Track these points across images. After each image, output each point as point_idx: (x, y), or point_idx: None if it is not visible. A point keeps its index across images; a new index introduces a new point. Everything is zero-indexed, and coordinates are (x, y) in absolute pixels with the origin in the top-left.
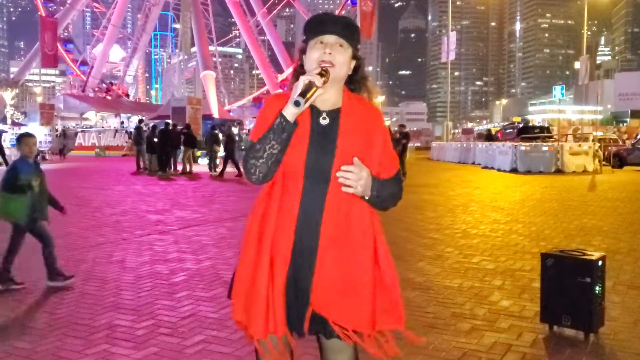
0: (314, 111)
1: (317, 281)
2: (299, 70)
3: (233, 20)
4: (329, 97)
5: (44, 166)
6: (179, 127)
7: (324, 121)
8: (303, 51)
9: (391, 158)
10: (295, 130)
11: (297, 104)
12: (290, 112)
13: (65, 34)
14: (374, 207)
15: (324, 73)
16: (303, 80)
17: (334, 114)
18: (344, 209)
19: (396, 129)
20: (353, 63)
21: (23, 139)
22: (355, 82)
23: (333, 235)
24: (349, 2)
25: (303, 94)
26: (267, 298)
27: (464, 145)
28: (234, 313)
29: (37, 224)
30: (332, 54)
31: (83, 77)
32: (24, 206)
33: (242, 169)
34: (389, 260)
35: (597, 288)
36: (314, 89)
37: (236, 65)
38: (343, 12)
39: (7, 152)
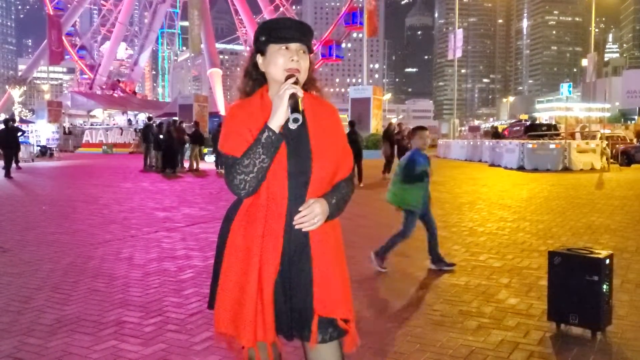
0: None
1: (318, 284)
2: (251, 70)
3: (239, 17)
4: None
5: (50, 163)
6: (185, 125)
7: (292, 126)
8: (260, 52)
9: (348, 154)
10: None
11: (296, 120)
12: (277, 125)
13: (74, 32)
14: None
15: (297, 81)
16: (287, 94)
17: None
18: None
19: (396, 127)
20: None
21: (417, 132)
22: (309, 81)
23: (322, 234)
24: (342, 22)
25: (296, 109)
26: (255, 304)
27: (471, 142)
28: (218, 324)
29: (428, 210)
30: (298, 61)
31: (90, 74)
32: (420, 195)
33: (226, 180)
34: (343, 251)
35: (604, 286)
36: (299, 99)
37: (242, 62)
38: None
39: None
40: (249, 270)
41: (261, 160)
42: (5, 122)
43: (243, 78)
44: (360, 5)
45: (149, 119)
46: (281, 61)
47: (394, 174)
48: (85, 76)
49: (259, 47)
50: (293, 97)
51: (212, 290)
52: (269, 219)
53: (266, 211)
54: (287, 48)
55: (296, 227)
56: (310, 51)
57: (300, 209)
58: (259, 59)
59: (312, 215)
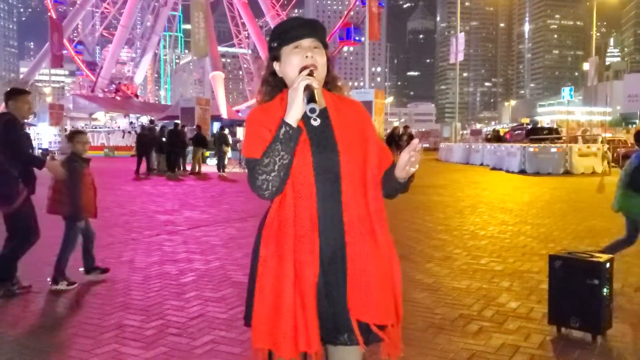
0: (303, 115)
1: (352, 284)
2: (270, 80)
3: (242, 21)
4: None
5: None
6: (187, 128)
7: (315, 122)
8: (276, 59)
9: (386, 148)
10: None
11: (313, 111)
12: (294, 119)
13: (75, 34)
14: (399, 192)
15: (312, 73)
16: (302, 86)
17: (322, 113)
18: (362, 203)
19: (402, 129)
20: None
21: None
22: (329, 81)
23: (360, 233)
24: (358, 2)
25: (312, 99)
26: (295, 314)
27: (472, 146)
28: (256, 340)
29: None
30: (313, 57)
31: (93, 77)
32: None
33: (249, 183)
34: (395, 251)
35: (605, 290)
36: (315, 90)
37: (245, 66)
38: (352, 13)
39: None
40: (283, 277)
41: (281, 157)
42: None
43: (261, 87)
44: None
45: (151, 122)
46: (296, 60)
47: (619, 178)
48: (82, 72)
49: (274, 54)
50: (308, 88)
51: (248, 304)
52: (299, 220)
53: (294, 212)
54: (298, 47)
55: (411, 167)
56: (325, 47)
57: (414, 148)
58: (276, 65)
59: (418, 154)
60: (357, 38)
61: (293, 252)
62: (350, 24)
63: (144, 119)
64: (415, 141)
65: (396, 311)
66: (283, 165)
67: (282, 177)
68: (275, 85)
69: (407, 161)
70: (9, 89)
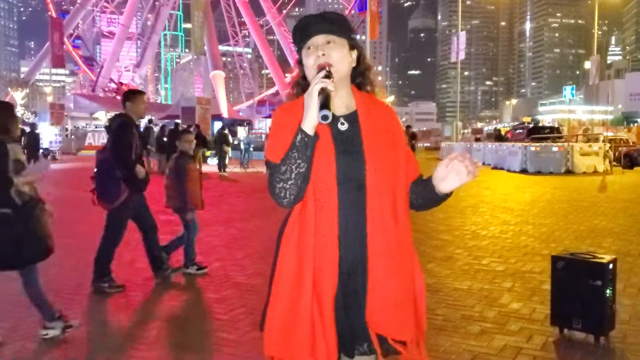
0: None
1: (371, 298)
2: (301, 82)
3: (242, 20)
4: (341, 101)
5: (53, 165)
6: (190, 128)
7: (343, 127)
8: (300, 62)
9: (413, 158)
10: (318, 142)
11: (325, 118)
12: (310, 126)
13: (79, 41)
14: (435, 205)
15: (329, 74)
16: (316, 90)
17: (352, 118)
18: (388, 215)
19: (404, 129)
20: (354, 54)
21: None
22: (360, 74)
23: (383, 246)
24: (355, 8)
25: (325, 105)
26: (312, 324)
27: (474, 145)
28: (267, 347)
29: None
30: (325, 54)
31: (90, 73)
32: None
33: (269, 190)
34: (419, 265)
35: (607, 291)
36: (330, 93)
37: (245, 65)
38: (353, 12)
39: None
40: (302, 286)
41: (297, 165)
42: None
43: (291, 90)
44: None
45: (150, 121)
46: (311, 61)
47: None
48: (79, 67)
49: (299, 58)
50: (323, 92)
51: (265, 310)
52: (319, 229)
53: (315, 220)
54: (311, 47)
55: (470, 176)
56: (350, 39)
57: (466, 157)
58: (303, 69)
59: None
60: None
61: (312, 261)
62: None
63: (145, 118)
64: (465, 153)
65: (418, 326)
66: (300, 173)
67: (299, 185)
68: (304, 87)
69: (448, 171)
70: (126, 90)
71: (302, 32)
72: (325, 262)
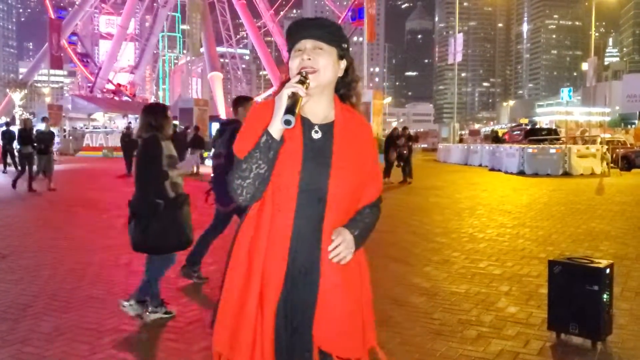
0: (306, 124)
1: (319, 313)
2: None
3: (240, 21)
4: (320, 109)
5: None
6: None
7: (317, 135)
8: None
9: (376, 177)
10: (287, 146)
11: (288, 123)
12: (276, 129)
13: (75, 37)
14: None
15: (303, 79)
16: (286, 94)
17: (327, 128)
18: None
19: (401, 130)
20: (342, 64)
21: None
22: (345, 85)
23: (335, 262)
24: (348, 18)
25: (291, 110)
26: (255, 328)
27: (471, 147)
28: (215, 343)
29: None
30: (311, 59)
31: (84, 70)
32: None
33: (227, 184)
34: (369, 277)
35: (604, 296)
36: (300, 99)
37: (243, 66)
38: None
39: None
40: (249, 290)
41: (258, 165)
42: (7, 124)
43: (277, 90)
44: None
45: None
46: (295, 63)
47: None
48: (74, 64)
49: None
50: (293, 96)
51: (215, 310)
52: (273, 235)
53: (270, 225)
54: (299, 49)
55: (332, 259)
56: (340, 49)
57: (332, 238)
58: None
59: (346, 245)
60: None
61: (262, 266)
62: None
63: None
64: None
65: (365, 341)
66: (259, 174)
67: (257, 185)
68: None
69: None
70: (236, 97)
71: (294, 35)
72: (272, 271)
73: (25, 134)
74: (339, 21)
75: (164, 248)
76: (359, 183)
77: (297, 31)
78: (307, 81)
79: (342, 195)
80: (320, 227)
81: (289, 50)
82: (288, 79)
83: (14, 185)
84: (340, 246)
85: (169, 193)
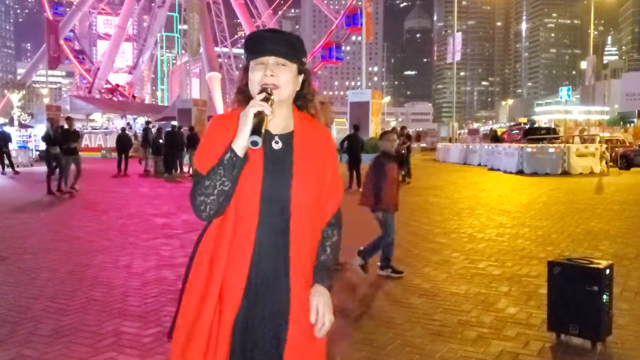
0: (266, 135)
1: (293, 330)
2: (244, 89)
3: (238, 21)
4: (279, 120)
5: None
6: (184, 129)
7: (277, 145)
8: (247, 69)
9: (337, 188)
10: (248, 157)
11: (254, 144)
12: (240, 147)
13: (71, 34)
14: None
15: (268, 97)
16: (252, 112)
17: (287, 138)
18: (309, 238)
19: (399, 130)
20: (300, 78)
21: None
22: (302, 97)
23: (304, 270)
24: (342, 23)
25: (257, 130)
26: (208, 339)
27: (470, 146)
28: (172, 354)
29: None
30: (274, 75)
31: (79, 66)
32: None
33: (190, 199)
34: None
35: (604, 297)
36: (265, 118)
37: (241, 65)
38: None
39: (13, 153)
40: (206, 300)
41: (221, 182)
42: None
43: (235, 96)
44: (360, 3)
45: (147, 123)
46: (257, 78)
47: None
48: (70, 61)
49: (246, 65)
50: (259, 114)
51: (174, 320)
52: (234, 247)
53: (232, 237)
54: (262, 63)
55: (320, 333)
56: (300, 64)
57: (311, 318)
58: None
59: (325, 319)
60: (338, 57)
61: (221, 278)
62: (332, 43)
63: (141, 120)
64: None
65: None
66: (223, 191)
67: (221, 202)
68: (248, 96)
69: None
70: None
71: (258, 46)
72: (233, 281)
73: (55, 135)
74: (334, 26)
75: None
76: (321, 191)
77: (262, 43)
78: (272, 98)
79: (305, 204)
80: (286, 238)
81: (248, 59)
82: (243, 85)
83: (49, 190)
84: (321, 317)
85: None
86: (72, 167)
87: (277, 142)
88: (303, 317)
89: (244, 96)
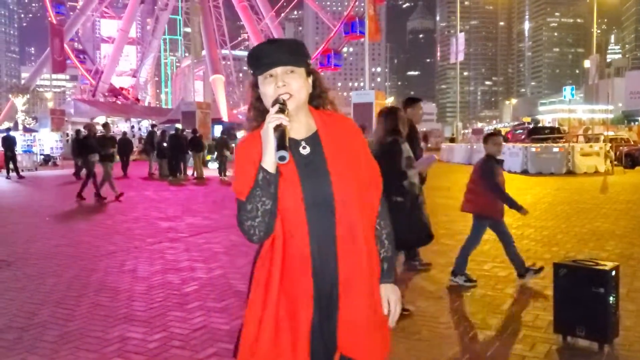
0: (292, 143)
1: (343, 321)
2: (256, 105)
3: (241, 23)
4: (300, 125)
5: (54, 172)
6: (187, 132)
7: (305, 150)
8: (255, 85)
9: (375, 169)
10: (281, 170)
11: (282, 159)
12: (270, 163)
13: (75, 40)
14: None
15: (282, 107)
16: (271, 127)
17: (313, 139)
18: (358, 235)
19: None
20: (310, 79)
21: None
22: (316, 97)
23: (353, 268)
24: (341, 31)
25: (281, 144)
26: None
27: (474, 146)
28: None
29: None
30: (285, 85)
31: (80, 67)
32: None
33: (238, 226)
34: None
35: (611, 298)
36: (286, 129)
37: (245, 68)
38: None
39: (18, 158)
40: (265, 321)
41: (262, 202)
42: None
43: (249, 113)
44: (360, 10)
45: (153, 126)
46: (270, 91)
47: None
48: (71, 61)
49: (254, 81)
50: (279, 128)
51: (238, 339)
52: (290, 259)
53: (284, 251)
54: (271, 75)
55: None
56: (307, 66)
57: (384, 303)
58: (258, 91)
59: (397, 301)
60: (337, 63)
61: (278, 295)
62: (331, 50)
63: (145, 123)
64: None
65: (384, 346)
66: (266, 210)
67: (267, 221)
68: (262, 110)
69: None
70: (407, 98)
71: (262, 60)
72: (300, 293)
73: (92, 141)
74: (332, 34)
75: (408, 244)
76: (361, 179)
77: (266, 56)
78: (286, 106)
79: (349, 200)
80: (335, 238)
81: (255, 74)
82: (254, 100)
83: (97, 194)
84: (393, 308)
85: (407, 191)
86: (100, 171)
87: (304, 147)
88: (353, 310)
89: (258, 111)
